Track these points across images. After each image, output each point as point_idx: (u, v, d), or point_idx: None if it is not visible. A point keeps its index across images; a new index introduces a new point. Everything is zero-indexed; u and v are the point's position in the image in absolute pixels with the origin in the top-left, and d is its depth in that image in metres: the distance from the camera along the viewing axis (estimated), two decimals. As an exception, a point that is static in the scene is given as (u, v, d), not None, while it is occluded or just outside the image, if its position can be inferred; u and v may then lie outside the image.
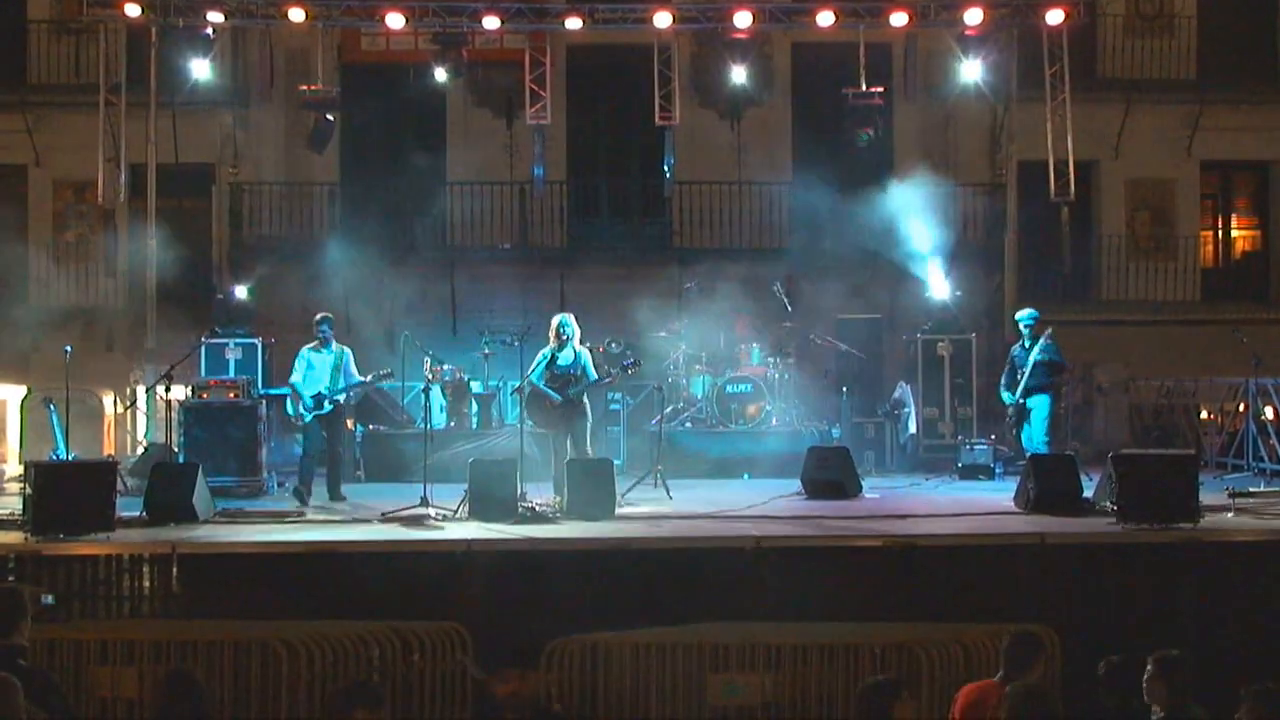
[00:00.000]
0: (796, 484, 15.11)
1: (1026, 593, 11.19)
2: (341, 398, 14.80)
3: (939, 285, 20.02)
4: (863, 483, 15.43)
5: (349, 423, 16.97)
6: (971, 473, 16.92)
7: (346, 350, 14.95)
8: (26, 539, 11.74)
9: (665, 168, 21.59)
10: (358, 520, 13.04)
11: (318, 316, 15.09)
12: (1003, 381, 15.97)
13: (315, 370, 14.66)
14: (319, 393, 14.56)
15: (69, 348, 15.62)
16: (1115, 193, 24.10)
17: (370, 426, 17.80)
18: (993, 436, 17.61)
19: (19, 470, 15.95)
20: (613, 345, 17.94)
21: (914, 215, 23.11)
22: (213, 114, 22.45)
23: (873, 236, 23.02)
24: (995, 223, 22.92)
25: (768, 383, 17.74)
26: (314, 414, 14.57)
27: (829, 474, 14.91)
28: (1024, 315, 16.04)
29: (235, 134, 22.87)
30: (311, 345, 14.87)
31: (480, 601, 10.76)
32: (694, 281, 20.07)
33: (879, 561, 11.56)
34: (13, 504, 13.78)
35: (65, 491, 12.01)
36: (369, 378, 14.90)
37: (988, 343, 20.59)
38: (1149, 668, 7.24)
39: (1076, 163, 20.08)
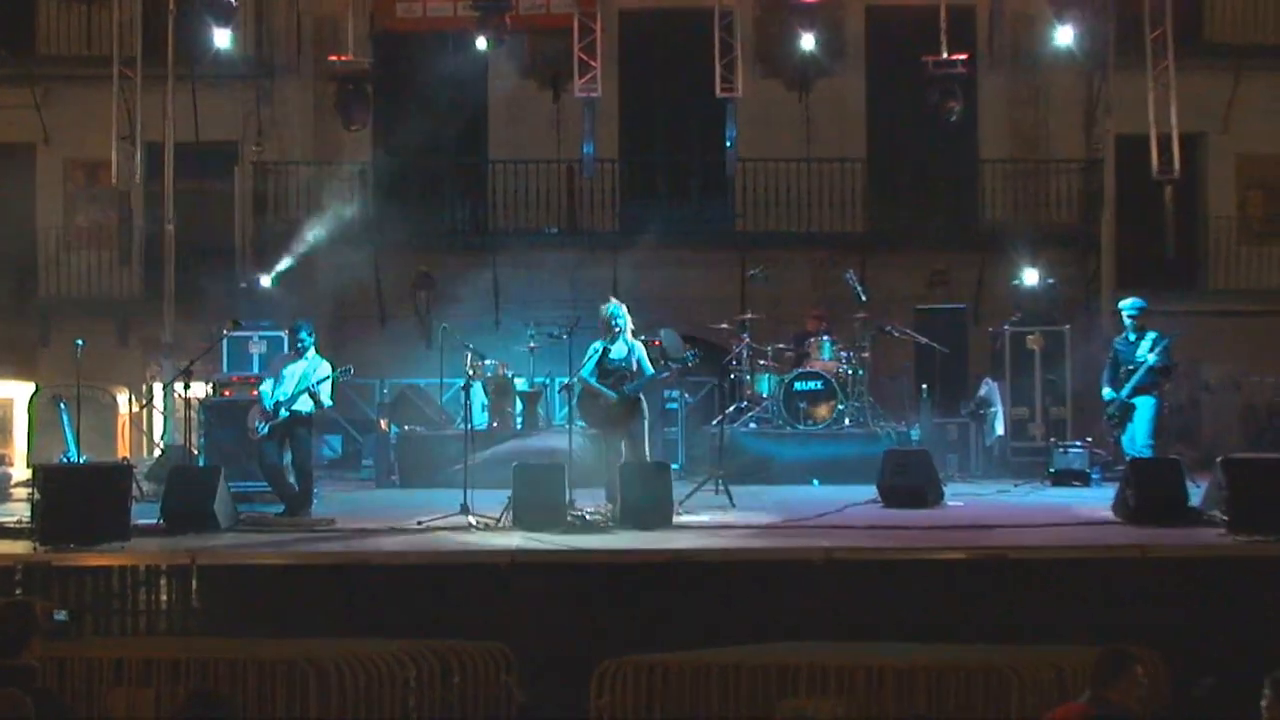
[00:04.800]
0: (872, 491, 15.08)
1: (1126, 611, 11.08)
2: (302, 407, 13.87)
3: (1029, 272, 19.86)
4: (945, 490, 15.36)
5: (391, 425, 16.97)
6: (1065, 479, 16.81)
7: (324, 362, 14.10)
8: (35, 549, 11.82)
9: (727, 144, 21.57)
10: (393, 529, 13.04)
11: (293, 323, 14.52)
12: (1104, 376, 15.75)
13: (284, 381, 13.95)
14: (277, 400, 13.86)
15: (80, 341, 15.74)
16: (1224, 170, 23.88)
17: (405, 427, 17.87)
18: (1089, 439, 17.46)
19: (27, 474, 16.11)
20: (664, 335, 17.89)
21: (1001, 195, 23.03)
22: (235, 88, 22.64)
23: (955, 219, 22.98)
24: (1091, 203, 22.80)
25: (840, 380, 17.67)
26: (270, 424, 13.87)
27: (907, 480, 14.86)
28: (1128, 304, 15.79)
29: (259, 109, 23.04)
30: (288, 355, 14.44)
31: (526, 618, 10.77)
32: (759, 268, 19.98)
33: (962, 576, 11.50)
34: (20, 511, 13.90)
35: (77, 497, 12.11)
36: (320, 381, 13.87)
37: (1083, 335, 20.42)
38: (1266, 690, 7.17)
39: (1181, 137, 19.91)
